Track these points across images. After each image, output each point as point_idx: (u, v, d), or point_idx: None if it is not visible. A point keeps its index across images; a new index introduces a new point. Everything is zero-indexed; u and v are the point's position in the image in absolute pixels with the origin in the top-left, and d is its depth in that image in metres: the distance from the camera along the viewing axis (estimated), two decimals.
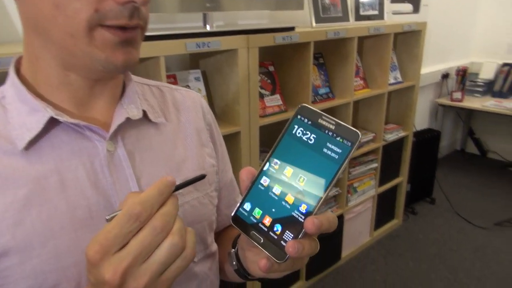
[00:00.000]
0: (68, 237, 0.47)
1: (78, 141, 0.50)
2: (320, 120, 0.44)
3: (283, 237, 0.43)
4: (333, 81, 2.05)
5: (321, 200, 0.42)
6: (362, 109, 2.36)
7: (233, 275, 0.61)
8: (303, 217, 0.42)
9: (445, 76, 3.43)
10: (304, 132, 0.45)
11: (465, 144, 4.00)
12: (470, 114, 3.81)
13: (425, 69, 2.71)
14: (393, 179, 2.58)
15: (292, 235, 0.43)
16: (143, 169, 0.54)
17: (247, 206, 0.46)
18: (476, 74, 3.55)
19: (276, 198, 0.44)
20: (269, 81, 1.76)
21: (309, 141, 0.44)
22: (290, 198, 0.44)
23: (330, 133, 0.43)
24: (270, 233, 0.44)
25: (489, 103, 3.20)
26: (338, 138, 0.42)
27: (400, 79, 2.39)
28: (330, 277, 2.25)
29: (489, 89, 3.49)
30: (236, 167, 0.75)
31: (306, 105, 0.46)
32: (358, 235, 2.46)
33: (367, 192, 2.36)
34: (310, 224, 0.41)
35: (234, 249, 0.57)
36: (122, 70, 0.49)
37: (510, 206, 2.93)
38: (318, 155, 0.43)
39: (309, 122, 0.45)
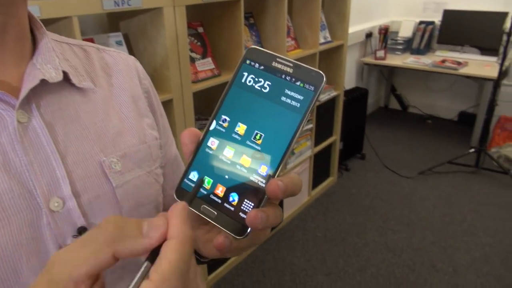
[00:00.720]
0: None
1: None
2: (274, 64, 0.37)
3: (242, 207, 0.36)
4: (265, 42, 1.98)
5: (284, 158, 0.36)
6: None
7: None
8: (263, 181, 0.36)
9: (369, 35, 3.53)
10: (256, 79, 0.38)
11: (388, 101, 4.23)
12: (392, 71, 4.00)
13: (350, 29, 2.75)
14: (327, 139, 2.64)
15: (252, 204, 0.36)
16: (68, 144, 0.44)
17: (193, 175, 0.39)
18: (396, 33, 3.71)
19: (229, 162, 0.37)
20: (199, 43, 1.65)
21: (262, 89, 0.37)
22: (246, 160, 0.37)
23: (288, 78, 0.37)
24: (225, 204, 0.37)
25: (408, 60, 3.37)
26: (298, 83, 0.36)
27: (329, 39, 2.39)
28: (274, 238, 2.28)
29: (408, 46, 3.67)
30: None
31: (256, 47, 0.39)
32: (298, 195, 2.51)
33: (304, 153, 2.39)
34: (274, 188, 0.34)
35: None
36: None
37: (431, 156, 3.18)
38: (276, 105, 0.37)
39: (261, 67, 0.38)
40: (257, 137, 0.37)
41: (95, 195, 0.45)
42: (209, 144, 0.38)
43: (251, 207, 0.36)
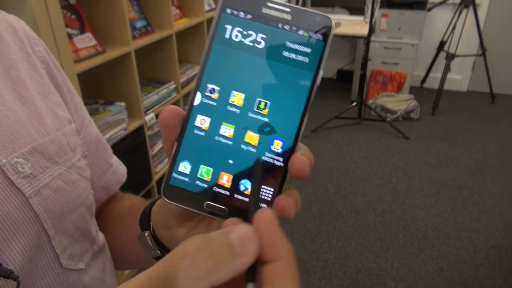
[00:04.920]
0: None
1: None
2: (265, 10, 0.30)
3: (259, 196, 0.30)
4: (149, 12, 1.82)
5: (301, 126, 0.30)
6: (183, 41, 2.22)
7: (140, 261, 0.46)
8: (281, 160, 0.30)
9: None
10: (245, 32, 0.30)
11: None
12: None
13: None
14: None
15: (272, 190, 0.30)
16: None
17: (185, 167, 0.30)
18: None
19: (230, 142, 0.30)
20: (73, 16, 1.43)
21: (256, 45, 0.30)
22: (252, 137, 0.30)
23: (287, 27, 0.30)
24: (236, 196, 0.30)
25: None
26: (300, 32, 0.30)
27: (214, 6, 2.31)
28: None
29: None
30: None
31: None
32: None
33: None
34: (301, 165, 0.28)
35: (149, 230, 0.40)
36: None
37: (319, 114, 3.39)
38: (278, 64, 0.30)
39: (248, 16, 0.30)
40: (262, 106, 0.30)
41: (2, 214, 0.34)
42: (197, 123, 0.30)
43: (271, 193, 0.30)
